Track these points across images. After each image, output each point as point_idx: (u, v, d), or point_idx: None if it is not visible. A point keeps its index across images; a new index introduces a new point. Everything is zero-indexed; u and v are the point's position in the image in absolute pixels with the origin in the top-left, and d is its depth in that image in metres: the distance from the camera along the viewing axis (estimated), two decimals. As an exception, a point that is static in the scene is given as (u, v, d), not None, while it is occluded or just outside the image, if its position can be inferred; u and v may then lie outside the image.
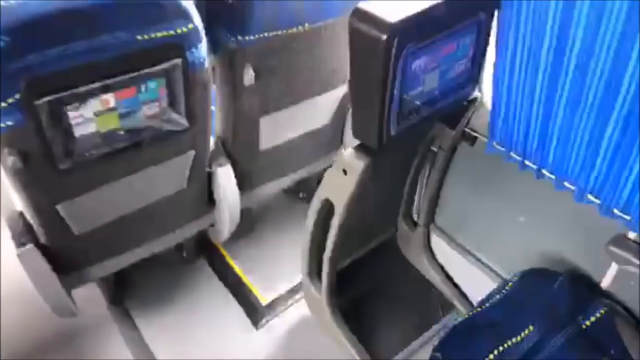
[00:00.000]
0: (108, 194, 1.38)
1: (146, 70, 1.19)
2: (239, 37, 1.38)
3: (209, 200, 1.75)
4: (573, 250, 1.49)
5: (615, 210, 1.28)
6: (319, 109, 1.76)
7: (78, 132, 1.19)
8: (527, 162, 1.45)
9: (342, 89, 1.75)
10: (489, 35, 1.31)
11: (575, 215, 1.43)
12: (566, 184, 1.38)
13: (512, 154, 1.47)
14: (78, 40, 1.08)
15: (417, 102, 1.25)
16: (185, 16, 1.19)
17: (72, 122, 1.16)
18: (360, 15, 1.09)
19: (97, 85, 1.14)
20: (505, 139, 1.47)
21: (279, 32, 1.42)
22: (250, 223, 2.10)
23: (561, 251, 1.52)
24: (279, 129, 1.71)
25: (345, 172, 1.32)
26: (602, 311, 1.32)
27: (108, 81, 1.15)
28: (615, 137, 1.18)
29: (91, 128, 1.20)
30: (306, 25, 1.46)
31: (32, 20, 1.02)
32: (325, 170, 2.12)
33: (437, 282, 1.89)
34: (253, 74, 1.44)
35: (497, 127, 1.47)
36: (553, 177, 1.40)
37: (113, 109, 1.21)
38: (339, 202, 1.39)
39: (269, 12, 1.37)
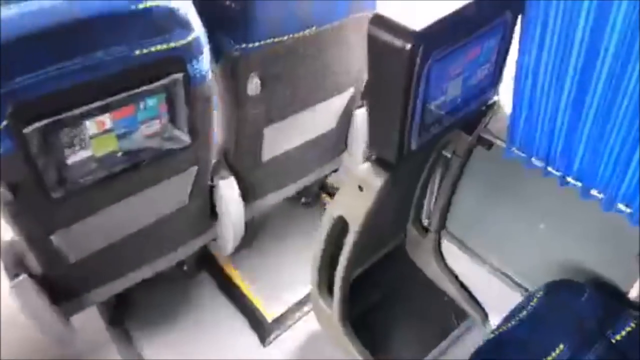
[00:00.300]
0: (105, 218, 1.27)
1: (145, 87, 1.08)
2: (243, 45, 1.27)
3: (212, 214, 1.65)
4: (596, 259, 1.44)
5: (650, 221, 1.22)
6: (325, 115, 1.67)
7: (72, 158, 1.08)
8: (550, 169, 1.38)
9: (349, 93, 1.66)
10: (512, 35, 1.22)
11: (598, 222, 1.37)
12: (593, 192, 1.31)
13: (533, 159, 1.40)
14: (70, 58, 0.96)
15: (440, 112, 1.16)
16: (187, 26, 1.08)
17: (65, 147, 1.06)
18: (380, 22, 1.00)
19: (91, 106, 1.03)
20: (526, 144, 1.40)
21: (286, 37, 1.32)
22: (252, 232, 2.01)
23: (582, 259, 1.46)
24: (283, 138, 1.62)
25: (361, 188, 1.23)
26: (632, 324, 1.26)
27: (104, 101, 1.04)
28: None
29: (86, 153, 1.09)
30: (314, 28, 1.35)
31: (20, 38, 0.90)
32: (327, 177, 2.07)
33: (449, 289, 1.83)
34: (259, 82, 1.34)
35: (517, 131, 1.39)
36: (579, 184, 1.33)
37: (109, 131, 1.10)
38: (354, 219, 1.30)
39: (275, 16, 1.26)
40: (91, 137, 1.08)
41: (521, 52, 1.26)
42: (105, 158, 1.14)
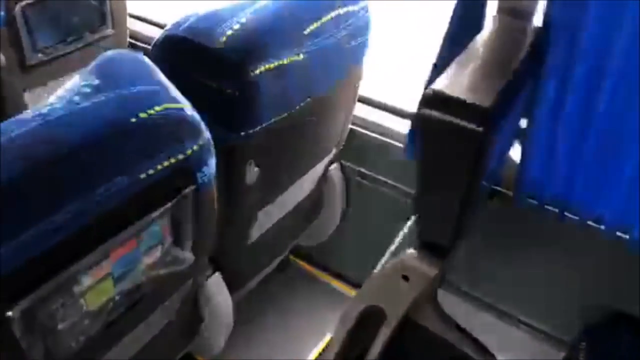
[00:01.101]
0: None
1: (154, 214, 0.82)
2: (241, 132, 1.05)
3: (196, 315, 1.39)
4: (612, 293, 1.42)
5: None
6: (310, 179, 1.49)
7: (62, 325, 0.79)
8: (567, 214, 1.33)
9: (332, 153, 1.50)
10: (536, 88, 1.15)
11: (610, 258, 1.35)
12: (618, 233, 1.28)
13: (547, 206, 1.34)
14: (64, 207, 0.68)
15: (486, 184, 1.05)
16: (195, 131, 0.84)
17: (54, 317, 0.76)
18: (437, 101, 0.86)
19: (89, 258, 0.75)
20: (540, 190, 1.33)
21: (285, 115, 1.12)
22: None
23: (596, 294, 1.44)
24: (270, 215, 1.41)
25: (406, 278, 1.08)
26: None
27: (102, 247, 0.77)
28: None
29: (78, 311, 0.81)
30: (308, 99, 1.17)
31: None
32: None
33: (454, 340, 1.73)
34: (257, 170, 1.12)
35: (529, 179, 1.32)
36: (602, 227, 1.29)
37: (107, 276, 0.82)
38: (393, 309, 1.14)
39: (275, 96, 1.06)
40: (85, 291, 0.80)
41: (538, 100, 1.19)
42: (101, 308, 0.86)
